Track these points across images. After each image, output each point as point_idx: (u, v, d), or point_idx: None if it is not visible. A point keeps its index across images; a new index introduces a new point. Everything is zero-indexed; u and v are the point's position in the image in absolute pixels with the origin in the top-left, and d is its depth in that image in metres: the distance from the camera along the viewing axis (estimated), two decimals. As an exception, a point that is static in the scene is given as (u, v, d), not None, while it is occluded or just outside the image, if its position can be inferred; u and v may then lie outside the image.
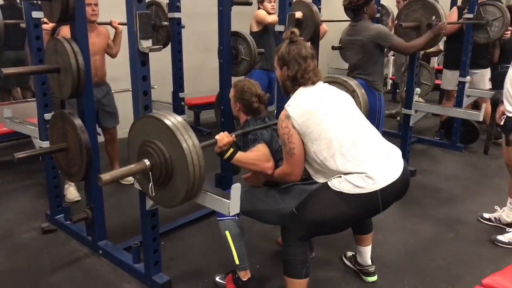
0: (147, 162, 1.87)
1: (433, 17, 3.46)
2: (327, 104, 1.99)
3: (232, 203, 1.84)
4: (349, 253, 2.63)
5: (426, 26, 3.50)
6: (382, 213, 2.33)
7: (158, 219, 2.34)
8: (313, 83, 2.05)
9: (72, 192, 3.42)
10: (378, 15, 4.82)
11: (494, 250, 2.83)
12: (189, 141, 1.79)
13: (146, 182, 1.94)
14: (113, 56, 3.72)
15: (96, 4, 3.32)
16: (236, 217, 2.25)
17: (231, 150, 2.17)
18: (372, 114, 3.20)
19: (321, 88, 2.08)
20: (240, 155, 2.19)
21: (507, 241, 2.83)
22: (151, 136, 1.89)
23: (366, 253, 2.45)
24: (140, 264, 2.47)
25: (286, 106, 1.99)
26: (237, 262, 2.26)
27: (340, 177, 1.90)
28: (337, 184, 1.90)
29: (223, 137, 2.14)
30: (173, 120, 1.83)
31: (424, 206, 3.46)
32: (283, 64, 2.06)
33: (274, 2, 4.21)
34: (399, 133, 4.49)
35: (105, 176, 1.75)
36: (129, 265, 2.50)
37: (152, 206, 2.25)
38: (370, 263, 2.47)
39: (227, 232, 2.24)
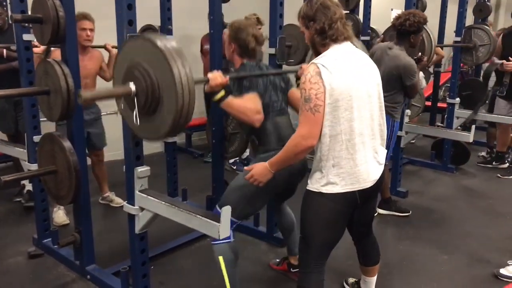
0: (132, 86, 1.72)
1: (419, 54, 3.47)
2: (357, 82, 1.84)
3: (222, 226, 1.80)
4: (351, 280, 2.59)
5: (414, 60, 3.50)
6: (375, 235, 2.33)
7: (148, 243, 2.30)
8: (345, 38, 1.88)
9: (60, 215, 3.37)
10: (368, 38, 4.91)
11: (486, 271, 2.81)
12: (182, 69, 1.63)
13: (130, 111, 1.78)
14: (107, 79, 3.69)
15: (91, 30, 3.32)
16: (231, 240, 2.20)
17: (223, 92, 2.09)
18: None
19: (354, 55, 1.91)
20: (232, 100, 2.12)
21: (510, 274, 2.75)
22: (140, 59, 1.73)
23: (372, 283, 2.39)
24: (128, 289, 2.41)
25: (317, 63, 1.79)
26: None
27: (319, 173, 1.87)
28: (315, 185, 1.89)
29: (216, 77, 2.05)
30: (166, 43, 1.67)
31: (416, 228, 3.44)
32: (308, 20, 1.88)
33: (260, 28, 4.18)
34: (391, 154, 4.50)
35: (86, 93, 1.61)
36: (118, 290, 2.44)
37: (142, 230, 2.22)
38: None
39: (220, 258, 2.18)
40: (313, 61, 1.84)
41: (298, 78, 2.44)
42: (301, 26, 1.95)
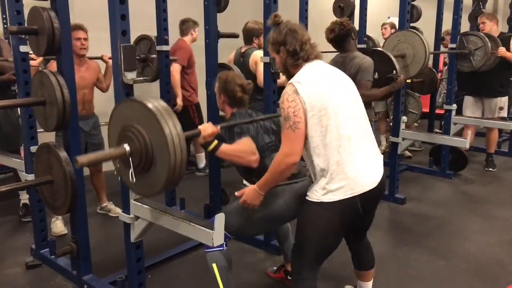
0: (126, 147, 1.78)
1: (394, 72, 3.52)
2: (335, 90, 1.91)
3: (215, 233, 1.81)
4: (348, 287, 2.58)
5: (387, 79, 3.51)
6: (373, 242, 2.33)
7: (143, 252, 2.31)
8: (316, 57, 1.98)
9: (58, 225, 3.37)
10: (364, 46, 4.93)
11: (485, 278, 2.80)
12: (173, 128, 1.70)
13: (126, 170, 1.84)
14: (103, 90, 3.74)
15: (85, 39, 3.36)
16: (224, 248, 2.22)
17: (216, 142, 2.14)
18: None
19: (326, 69, 2.02)
20: (225, 146, 2.17)
21: None
22: (133, 121, 1.80)
23: None
24: (125, 298, 2.41)
25: (293, 81, 1.89)
26: None
27: (319, 183, 1.89)
28: (315, 196, 1.90)
29: (207, 127, 2.12)
30: (156, 104, 1.74)
31: (414, 234, 3.43)
32: (278, 46, 1.98)
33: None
34: (388, 160, 4.51)
35: (82, 158, 1.65)
36: (114, 300, 2.44)
37: (137, 238, 2.22)
38: None
39: (214, 265, 2.19)
40: (289, 81, 1.92)
41: None
42: (271, 52, 2.05)
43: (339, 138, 1.86)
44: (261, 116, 2.44)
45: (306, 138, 1.89)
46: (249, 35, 3.98)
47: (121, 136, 1.83)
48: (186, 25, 4.60)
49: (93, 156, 1.74)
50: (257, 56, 3.82)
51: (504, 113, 4.87)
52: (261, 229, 2.34)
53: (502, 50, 4.54)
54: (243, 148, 2.19)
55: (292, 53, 1.95)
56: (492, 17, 4.75)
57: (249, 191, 2.04)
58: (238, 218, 2.19)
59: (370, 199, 1.95)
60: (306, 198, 1.95)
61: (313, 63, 1.98)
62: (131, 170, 1.80)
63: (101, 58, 3.64)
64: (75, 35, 3.19)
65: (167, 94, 3.77)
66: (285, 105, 1.87)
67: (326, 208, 1.88)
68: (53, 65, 3.11)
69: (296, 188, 2.15)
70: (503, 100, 4.87)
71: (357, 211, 1.91)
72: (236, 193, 2.09)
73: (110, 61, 3.55)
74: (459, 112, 4.77)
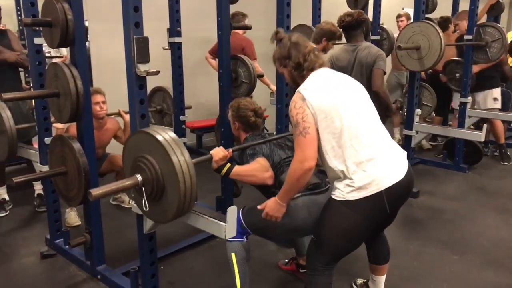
0: (139, 177, 1.85)
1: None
2: (342, 91, 1.94)
3: (228, 226, 1.82)
4: (360, 280, 2.57)
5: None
6: (385, 235, 2.32)
7: (156, 243, 2.32)
8: (320, 65, 2.01)
9: (72, 216, 3.42)
10: (378, 37, 4.88)
11: (499, 273, 2.77)
12: (181, 157, 1.75)
13: (140, 197, 1.91)
14: (122, 143, 3.64)
15: (104, 102, 3.38)
16: (245, 239, 2.22)
17: (228, 165, 2.16)
18: None
19: (333, 74, 2.05)
20: (237, 168, 2.18)
21: None
22: (144, 152, 1.87)
23: (380, 283, 2.38)
24: (138, 289, 2.43)
25: (300, 89, 1.92)
26: (238, 286, 2.22)
27: (342, 182, 1.86)
28: (340, 194, 1.87)
29: (218, 152, 2.15)
30: (164, 135, 1.81)
31: (427, 228, 3.41)
32: (284, 60, 2.04)
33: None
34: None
35: (95, 191, 1.70)
36: (127, 290, 2.46)
37: (150, 230, 2.24)
38: None
39: (233, 254, 2.20)
40: (296, 90, 1.95)
41: None
42: (279, 67, 2.10)
43: (354, 138, 1.85)
44: (274, 136, 2.45)
45: (319, 142, 1.88)
46: (321, 34, 3.63)
47: (134, 166, 1.90)
48: (236, 18, 4.46)
49: (106, 187, 1.77)
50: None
51: (498, 104, 4.85)
52: (282, 236, 2.32)
53: None
54: (256, 167, 2.19)
55: (297, 65, 2.00)
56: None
57: (271, 203, 2.02)
58: (263, 220, 2.13)
59: (397, 196, 1.89)
60: (331, 196, 1.93)
61: (318, 71, 2.01)
62: (144, 198, 1.87)
63: (118, 114, 3.59)
64: (94, 100, 3.19)
65: (179, 86, 3.78)
66: (293, 112, 1.89)
67: (351, 207, 1.85)
68: (73, 129, 2.99)
69: (320, 200, 2.09)
70: (496, 91, 4.86)
71: (384, 209, 1.86)
72: (259, 207, 2.08)
73: (127, 116, 3.48)
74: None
